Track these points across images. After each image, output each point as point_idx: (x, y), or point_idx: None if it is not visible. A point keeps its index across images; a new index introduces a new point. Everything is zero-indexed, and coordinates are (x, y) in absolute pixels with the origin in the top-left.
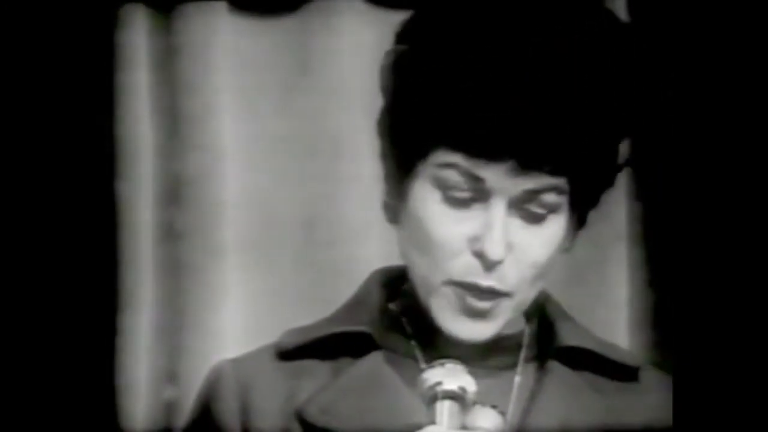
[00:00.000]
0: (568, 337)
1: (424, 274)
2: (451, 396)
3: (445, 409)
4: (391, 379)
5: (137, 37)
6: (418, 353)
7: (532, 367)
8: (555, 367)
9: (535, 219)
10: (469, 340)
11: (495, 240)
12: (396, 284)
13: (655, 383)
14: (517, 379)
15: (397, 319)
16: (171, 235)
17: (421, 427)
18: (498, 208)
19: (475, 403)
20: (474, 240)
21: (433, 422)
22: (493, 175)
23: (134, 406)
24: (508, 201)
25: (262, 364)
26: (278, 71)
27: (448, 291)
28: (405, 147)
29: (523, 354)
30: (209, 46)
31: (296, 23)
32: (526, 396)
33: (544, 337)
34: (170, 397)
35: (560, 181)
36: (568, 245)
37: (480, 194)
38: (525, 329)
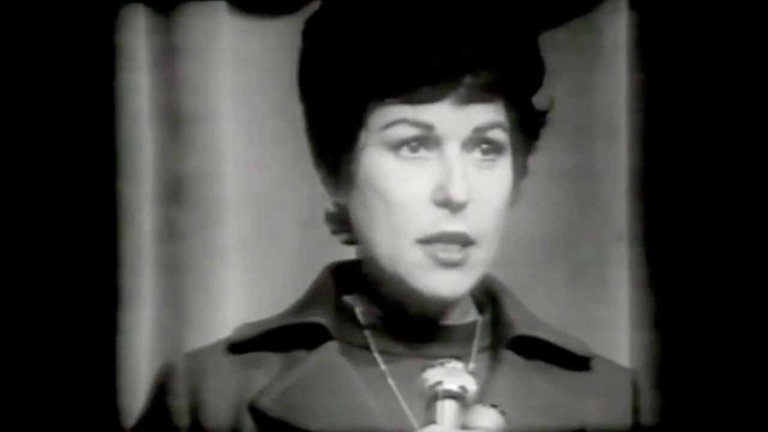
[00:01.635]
0: (521, 327)
1: (390, 245)
2: (452, 395)
3: (445, 408)
4: (345, 369)
5: (137, 37)
6: (372, 343)
7: (485, 356)
8: (508, 356)
9: (486, 163)
10: (444, 295)
11: (456, 182)
12: (349, 277)
13: (609, 373)
14: (471, 366)
15: (351, 310)
16: (171, 234)
17: (374, 418)
18: (452, 151)
19: (475, 402)
20: (435, 191)
21: (433, 421)
22: (440, 116)
23: (135, 405)
24: (461, 144)
25: (214, 357)
26: (278, 71)
27: (418, 251)
28: (343, 120)
29: (476, 343)
30: (209, 46)
31: (296, 23)
32: (478, 384)
33: (497, 327)
34: None
35: (501, 117)
36: (515, 196)
37: (432, 144)
38: (478, 319)
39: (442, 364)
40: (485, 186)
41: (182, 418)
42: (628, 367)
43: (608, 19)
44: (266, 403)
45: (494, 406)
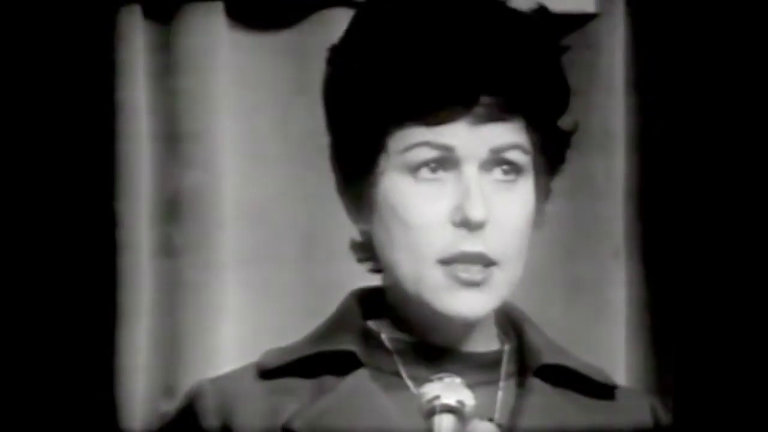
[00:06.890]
0: (547, 356)
1: (411, 266)
2: (450, 410)
3: (443, 422)
4: (377, 396)
5: (136, 54)
6: (402, 370)
7: (512, 384)
8: (536, 383)
9: (506, 184)
10: (466, 315)
11: (474, 202)
12: (373, 303)
13: (632, 402)
14: (500, 394)
15: (378, 336)
16: (169, 251)
17: None
18: (471, 171)
19: (473, 416)
20: (454, 211)
21: None
22: (458, 137)
23: (132, 420)
24: (479, 165)
25: (243, 383)
26: (277, 87)
27: (439, 272)
28: (363, 144)
29: (503, 371)
30: (207, 63)
31: (295, 38)
32: (508, 412)
33: (523, 355)
34: (168, 411)
35: (521, 139)
36: (539, 218)
37: (450, 166)
38: (504, 347)
39: (441, 379)
40: (505, 206)
41: None
42: (648, 394)
43: (604, 34)
44: (300, 427)
45: (491, 419)
